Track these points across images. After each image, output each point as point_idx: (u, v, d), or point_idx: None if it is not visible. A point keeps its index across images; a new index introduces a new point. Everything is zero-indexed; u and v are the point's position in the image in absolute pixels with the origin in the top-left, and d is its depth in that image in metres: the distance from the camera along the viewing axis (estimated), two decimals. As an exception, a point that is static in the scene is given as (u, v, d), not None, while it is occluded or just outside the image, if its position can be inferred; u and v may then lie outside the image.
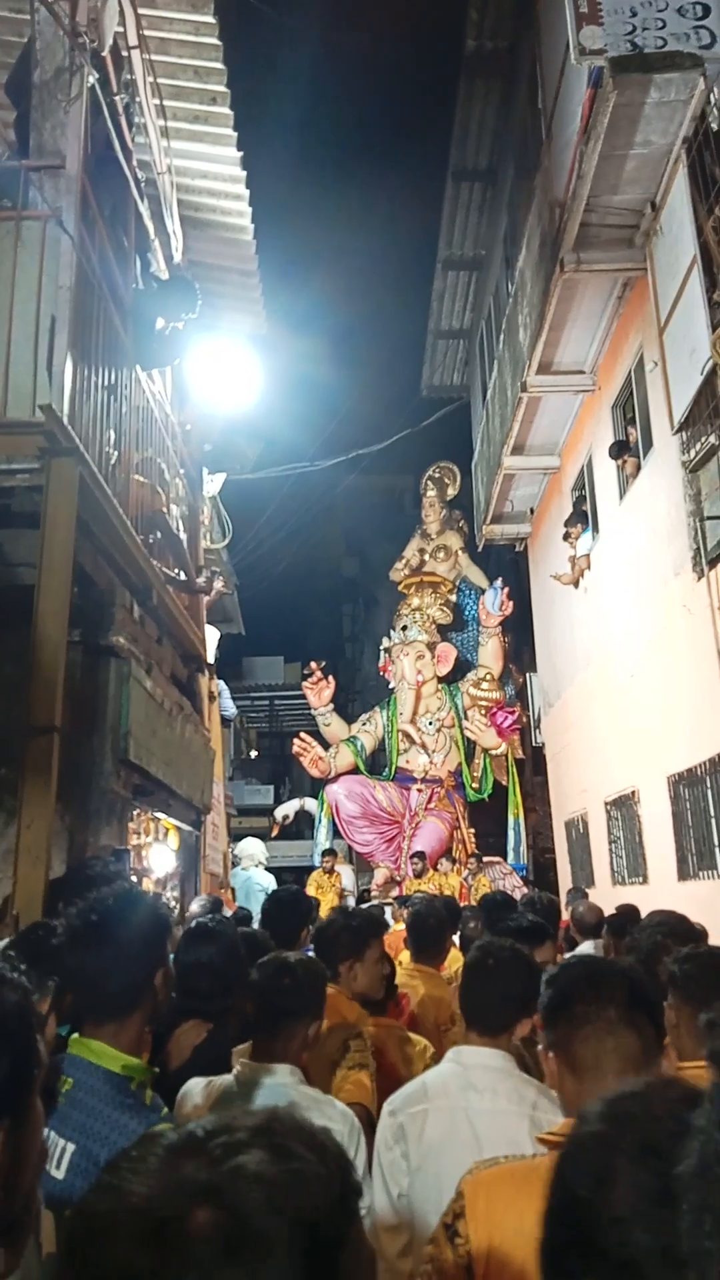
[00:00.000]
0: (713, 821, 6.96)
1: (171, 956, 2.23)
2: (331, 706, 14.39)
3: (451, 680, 13.87)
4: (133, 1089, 1.69)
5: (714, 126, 6.38)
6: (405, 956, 4.28)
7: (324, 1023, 2.18)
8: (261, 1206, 0.61)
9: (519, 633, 14.17)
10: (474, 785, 13.36)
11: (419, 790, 13.26)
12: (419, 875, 11.59)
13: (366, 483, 18.91)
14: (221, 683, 10.12)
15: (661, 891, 7.73)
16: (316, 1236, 0.62)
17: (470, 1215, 1.46)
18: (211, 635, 8.73)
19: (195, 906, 5.37)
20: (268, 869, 11.10)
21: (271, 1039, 2.10)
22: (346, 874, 12.96)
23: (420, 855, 11.90)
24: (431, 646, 13.88)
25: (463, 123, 11.83)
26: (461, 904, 7.08)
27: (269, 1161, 0.63)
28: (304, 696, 14.85)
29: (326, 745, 14.06)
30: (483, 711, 13.23)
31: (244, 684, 21.52)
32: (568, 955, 5.09)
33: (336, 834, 13.55)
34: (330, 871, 12.37)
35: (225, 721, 10.91)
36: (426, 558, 15.05)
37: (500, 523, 13.41)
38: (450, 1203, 1.51)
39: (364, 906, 7.40)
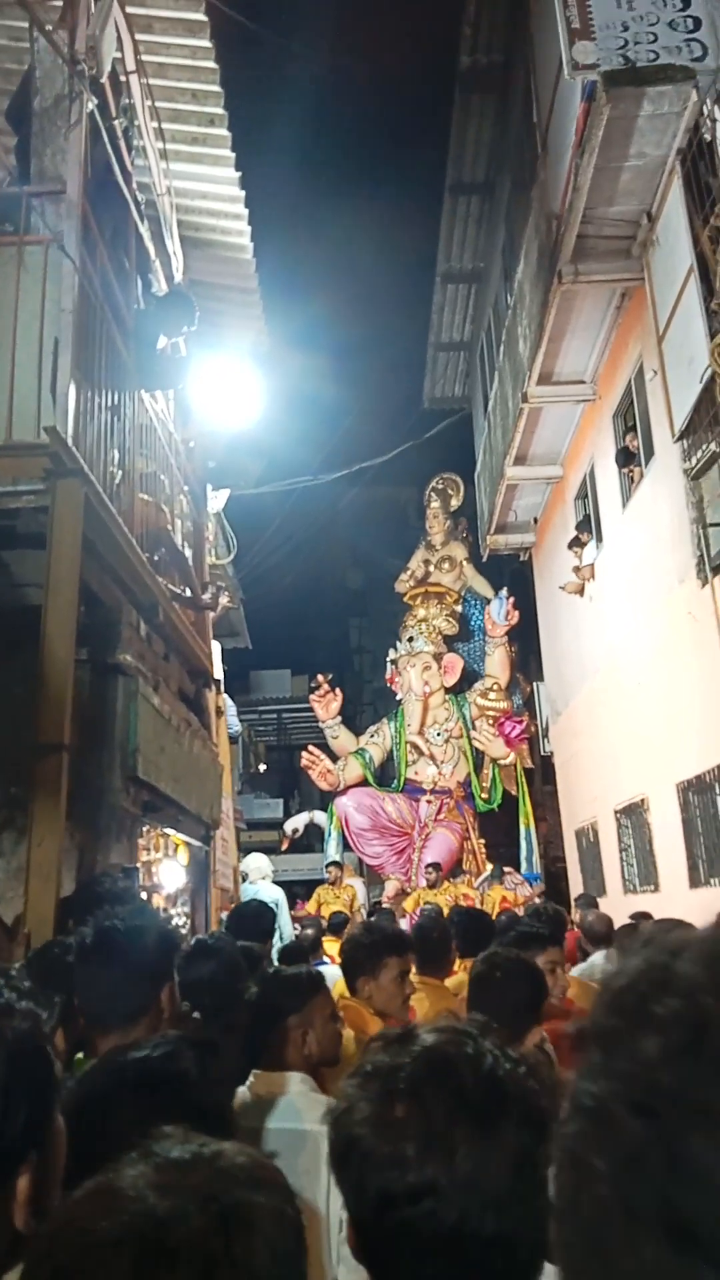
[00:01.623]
0: (722, 828, 6.95)
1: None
2: (339, 719, 14.39)
3: (459, 691, 13.87)
4: None
5: (708, 138, 6.43)
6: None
7: (331, 1020, 2.22)
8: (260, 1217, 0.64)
9: (525, 642, 14.17)
10: (483, 795, 13.33)
11: (428, 801, 13.24)
12: (433, 886, 11.55)
13: (370, 495, 18.95)
14: (228, 698, 10.15)
15: (673, 899, 7.71)
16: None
17: None
18: (214, 649, 8.76)
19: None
20: (277, 883, 11.10)
21: (265, 1045, 2.16)
22: (358, 887, 12.93)
23: (435, 866, 11.87)
24: (438, 657, 13.88)
25: (459, 138, 11.91)
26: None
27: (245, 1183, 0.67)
28: (311, 709, 14.85)
29: (335, 758, 14.05)
30: (490, 721, 13.22)
31: (251, 698, 21.53)
32: (580, 966, 5.09)
33: (346, 846, 13.53)
34: (335, 883, 12.29)
35: (231, 738, 10.92)
36: (431, 569, 15.08)
37: (504, 532, 13.44)
38: None
39: (373, 919, 7.40)
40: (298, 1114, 2.01)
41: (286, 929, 9.17)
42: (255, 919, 4.06)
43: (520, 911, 7.74)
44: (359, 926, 3.79)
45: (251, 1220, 0.63)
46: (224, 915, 8.05)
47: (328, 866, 12.79)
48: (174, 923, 5.91)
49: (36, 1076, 0.90)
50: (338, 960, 5.39)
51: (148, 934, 1.89)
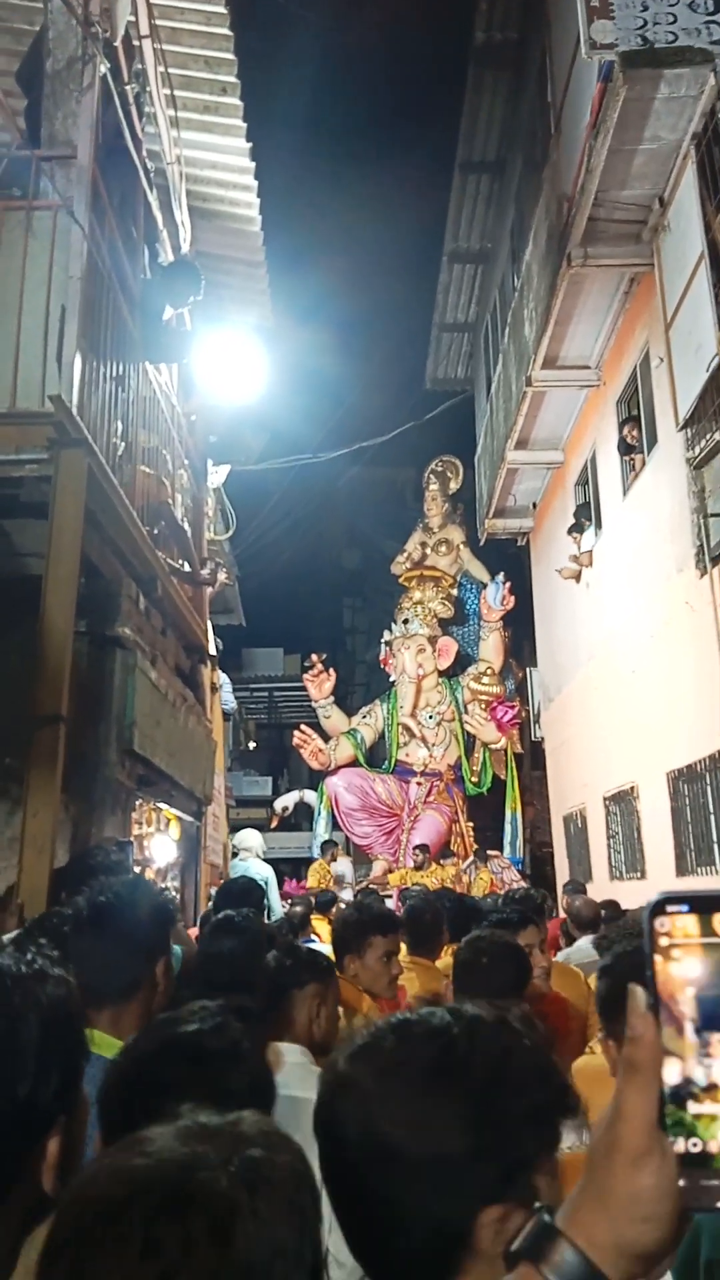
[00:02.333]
0: (712, 818, 6.99)
1: (177, 950, 2.27)
2: (332, 699, 14.40)
3: (452, 674, 13.88)
4: None
5: (724, 123, 6.37)
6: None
7: (337, 1007, 2.25)
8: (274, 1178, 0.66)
9: (520, 627, 14.17)
10: (473, 779, 13.38)
11: (418, 783, 13.28)
12: (420, 867, 11.62)
13: (369, 475, 18.90)
14: (224, 675, 10.14)
15: (659, 887, 7.68)
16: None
17: None
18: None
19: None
20: (266, 860, 11.15)
21: (275, 1014, 2.19)
22: (344, 865, 13.00)
23: (423, 848, 11.94)
24: (432, 640, 13.88)
25: (471, 115, 11.77)
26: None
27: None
28: (304, 688, 14.86)
29: (326, 737, 14.07)
30: (483, 706, 13.24)
31: (244, 675, 21.54)
32: (565, 950, 5.13)
33: (335, 826, 13.58)
34: (334, 860, 12.42)
35: (225, 715, 10.93)
36: (428, 551, 15.04)
37: (502, 517, 13.41)
38: None
39: (358, 897, 7.43)
40: (297, 1082, 2.03)
41: (276, 907, 9.21)
42: (242, 896, 4.04)
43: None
44: (350, 905, 3.81)
45: (273, 1177, 0.65)
46: (213, 890, 8.09)
47: (323, 846, 12.87)
48: (168, 892, 5.91)
49: (68, 1042, 0.91)
50: (325, 939, 5.42)
51: (142, 907, 1.88)
